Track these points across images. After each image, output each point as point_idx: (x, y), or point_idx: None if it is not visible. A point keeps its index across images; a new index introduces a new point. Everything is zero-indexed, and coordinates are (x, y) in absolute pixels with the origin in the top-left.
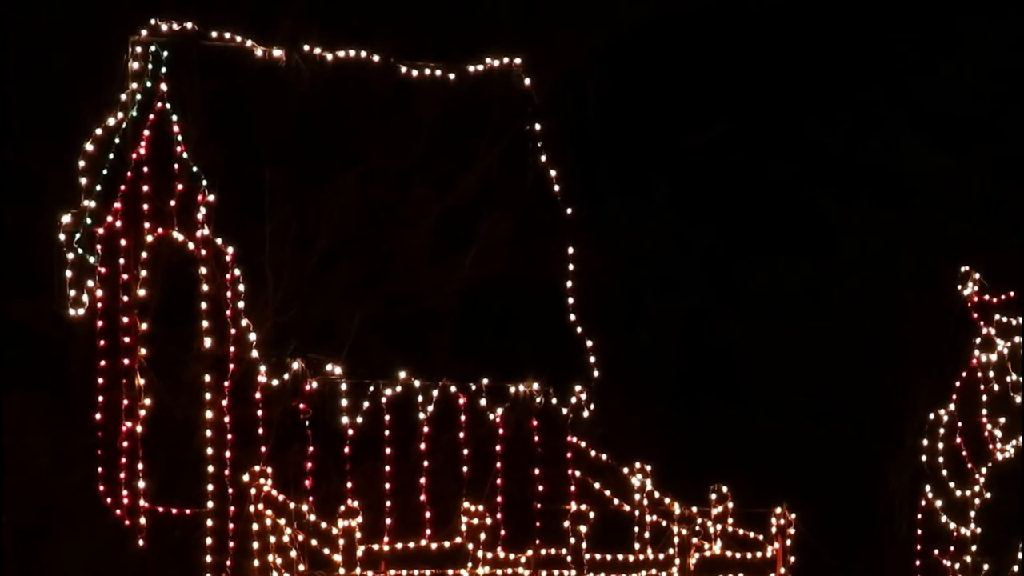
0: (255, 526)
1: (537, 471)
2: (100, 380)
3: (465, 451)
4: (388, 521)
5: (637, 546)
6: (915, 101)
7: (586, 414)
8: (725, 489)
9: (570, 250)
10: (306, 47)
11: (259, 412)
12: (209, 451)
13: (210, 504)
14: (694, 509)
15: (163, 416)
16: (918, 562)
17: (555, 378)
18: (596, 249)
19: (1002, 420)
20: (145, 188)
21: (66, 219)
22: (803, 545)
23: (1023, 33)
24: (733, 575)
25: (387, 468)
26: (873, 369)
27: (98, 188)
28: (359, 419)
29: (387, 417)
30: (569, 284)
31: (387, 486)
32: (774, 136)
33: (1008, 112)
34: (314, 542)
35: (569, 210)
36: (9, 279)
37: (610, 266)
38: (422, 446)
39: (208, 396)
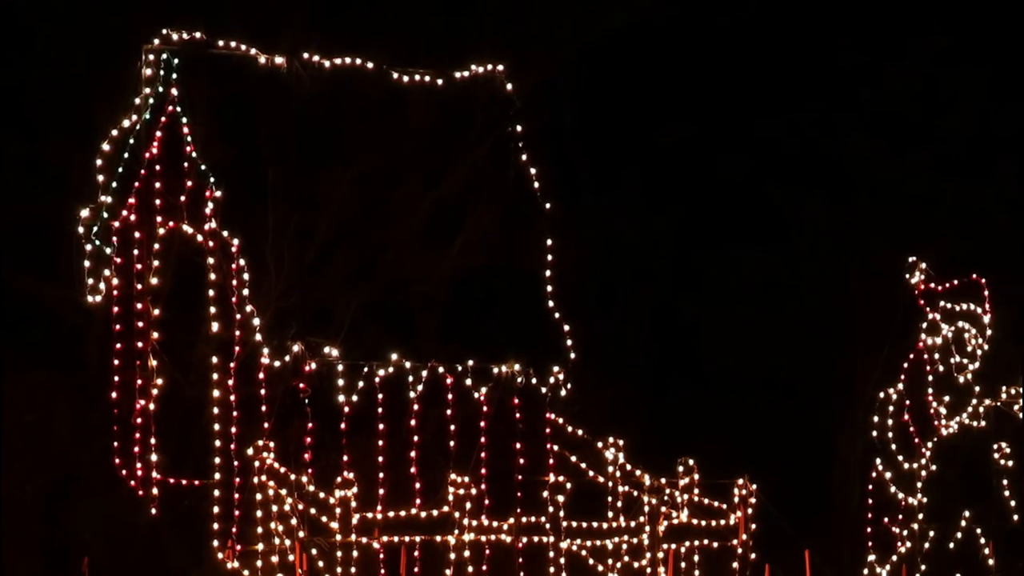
0: (258, 496)
1: (518, 445)
2: (116, 361)
3: (452, 427)
4: (381, 491)
5: (610, 514)
6: (863, 105)
7: (563, 393)
8: (691, 462)
9: (548, 242)
10: (305, 55)
11: (262, 391)
12: (216, 427)
13: (217, 476)
14: (663, 480)
15: (174, 395)
16: (869, 529)
17: (535, 359)
18: (572, 241)
19: (946, 398)
20: (157, 185)
21: (85, 213)
22: (763, 513)
23: (957, 44)
24: (699, 541)
25: (380, 443)
26: (827, 351)
27: (114, 185)
28: (354, 397)
29: (380, 396)
30: (547, 273)
31: (380, 459)
32: (734, 137)
33: (947, 115)
34: (313, 511)
35: (547, 205)
36: (32, 268)
37: (585, 256)
38: (412, 422)
39: (215, 376)
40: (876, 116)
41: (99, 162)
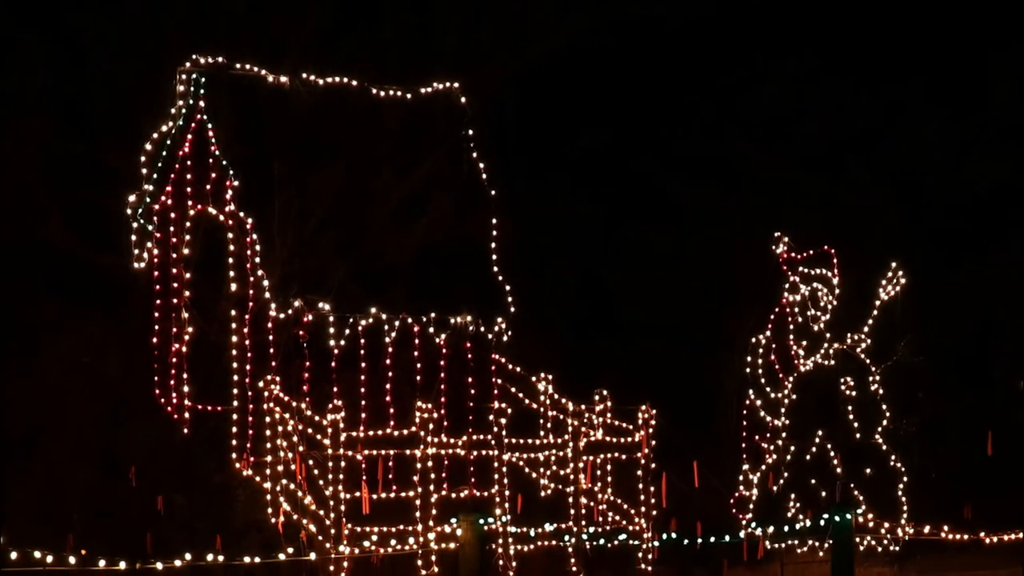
0: (267, 419)
1: (470, 379)
2: (156, 314)
3: (418, 365)
4: (363, 415)
5: (542, 433)
6: (742, 113)
7: (505, 338)
8: (605, 392)
9: (494, 221)
10: (304, 75)
11: (270, 337)
12: (234, 365)
13: (235, 403)
14: (583, 406)
15: (201, 340)
16: (743, 445)
17: (483, 312)
18: (512, 220)
19: (804, 343)
20: (189, 176)
21: (132, 198)
22: (661, 432)
23: (816, 64)
24: (611, 454)
25: (362, 377)
26: (712, 306)
27: (155, 176)
28: (342, 342)
29: (362, 341)
30: (493, 245)
31: (362, 390)
32: (642, 140)
33: (807, 122)
34: (310, 431)
35: (493, 192)
36: (91, 241)
37: (523, 232)
38: (387, 361)
39: (234, 326)
40: (753, 122)
41: (143, 158)
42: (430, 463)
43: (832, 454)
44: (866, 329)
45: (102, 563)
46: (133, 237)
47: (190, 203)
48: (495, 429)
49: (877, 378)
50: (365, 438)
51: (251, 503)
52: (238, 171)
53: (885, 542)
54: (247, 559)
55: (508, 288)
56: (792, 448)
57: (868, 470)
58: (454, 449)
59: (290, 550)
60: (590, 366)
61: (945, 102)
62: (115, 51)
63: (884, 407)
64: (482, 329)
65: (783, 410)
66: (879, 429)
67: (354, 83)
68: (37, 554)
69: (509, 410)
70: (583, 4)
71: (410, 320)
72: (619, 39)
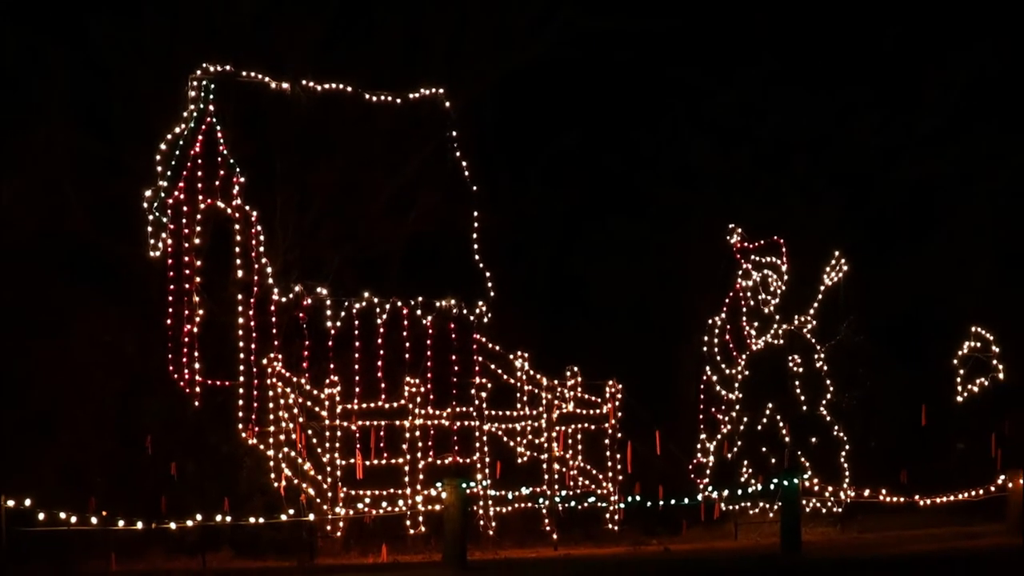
0: (270, 393)
1: (453, 357)
2: (170, 298)
3: (407, 344)
4: (357, 389)
5: (518, 406)
6: (702, 118)
7: (486, 320)
8: (576, 369)
9: (475, 214)
10: (304, 81)
11: (273, 319)
12: (240, 344)
13: (241, 378)
14: (556, 382)
15: (211, 321)
16: (701, 416)
17: (466, 297)
18: (493, 213)
19: (755, 324)
20: (199, 173)
21: (148, 193)
22: (627, 405)
23: (769, 73)
24: (580, 424)
25: (356, 355)
26: (673, 291)
27: (169, 173)
28: (338, 323)
29: (356, 322)
30: (474, 236)
31: (356, 367)
32: (611, 140)
33: (760, 125)
34: (309, 403)
35: (474, 188)
36: (112, 232)
37: (501, 224)
38: (379, 341)
39: (240, 308)
40: (711, 125)
41: (158, 157)
42: (417, 433)
43: (781, 425)
44: (812, 311)
45: (121, 523)
46: (149, 228)
47: (200, 197)
48: (476, 402)
49: (821, 356)
50: (359, 410)
51: (256, 469)
52: (244, 169)
53: (829, 504)
54: (252, 520)
55: (488, 275)
56: (745, 419)
57: (813, 439)
58: (439, 420)
59: (291, 511)
60: (562, 345)
61: (882, 107)
62: (133, 61)
63: (828, 382)
64: (465, 312)
65: (737, 385)
66: (823, 402)
67: (349, 89)
68: (62, 515)
69: (489, 385)
70: (558, 17)
71: (400, 304)
72: (591, 49)
